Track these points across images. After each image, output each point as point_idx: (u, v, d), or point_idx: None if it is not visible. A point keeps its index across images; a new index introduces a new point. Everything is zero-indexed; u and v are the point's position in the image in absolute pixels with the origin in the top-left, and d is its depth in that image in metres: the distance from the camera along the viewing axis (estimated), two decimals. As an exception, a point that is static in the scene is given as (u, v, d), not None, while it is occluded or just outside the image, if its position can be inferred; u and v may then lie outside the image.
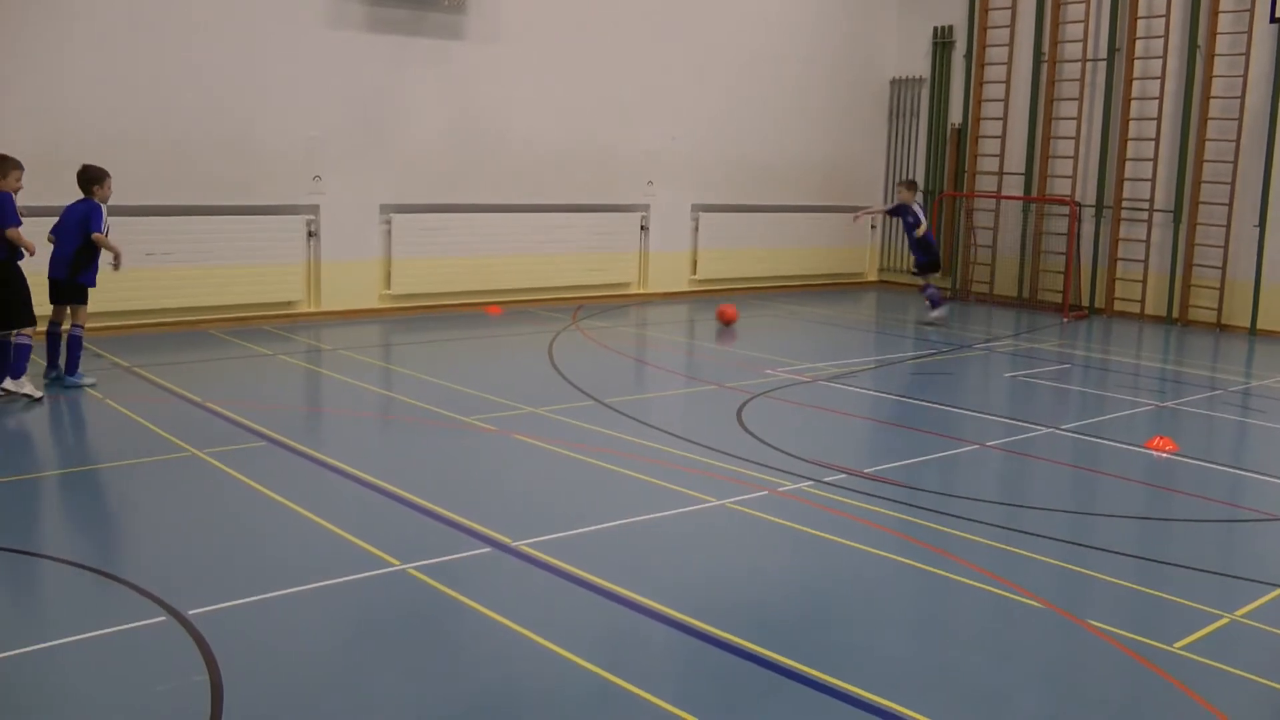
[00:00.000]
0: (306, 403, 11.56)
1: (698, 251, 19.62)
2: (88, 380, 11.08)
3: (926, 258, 18.13)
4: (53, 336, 11.22)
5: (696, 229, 19.51)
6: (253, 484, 8.21)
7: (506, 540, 7.16)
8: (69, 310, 11.17)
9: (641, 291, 18.96)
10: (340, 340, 14.15)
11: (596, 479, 8.73)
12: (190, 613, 5.90)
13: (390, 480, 8.35)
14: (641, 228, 18.79)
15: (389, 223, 16.01)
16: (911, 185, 18.17)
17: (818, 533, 7.66)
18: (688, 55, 18.95)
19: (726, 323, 16.28)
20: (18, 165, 10.58)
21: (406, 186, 16.17)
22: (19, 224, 10.39)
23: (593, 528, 7.54)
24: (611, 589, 6.48)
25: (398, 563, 6.72)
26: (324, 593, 6.33)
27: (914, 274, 19.01)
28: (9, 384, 10.45)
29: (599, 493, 8.41)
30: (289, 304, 15.35)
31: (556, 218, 17.42)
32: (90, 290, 11.23)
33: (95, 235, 10.96)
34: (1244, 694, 5.62)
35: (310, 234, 15.40)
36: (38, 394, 10.54)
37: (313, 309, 15.58)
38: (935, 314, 17.81)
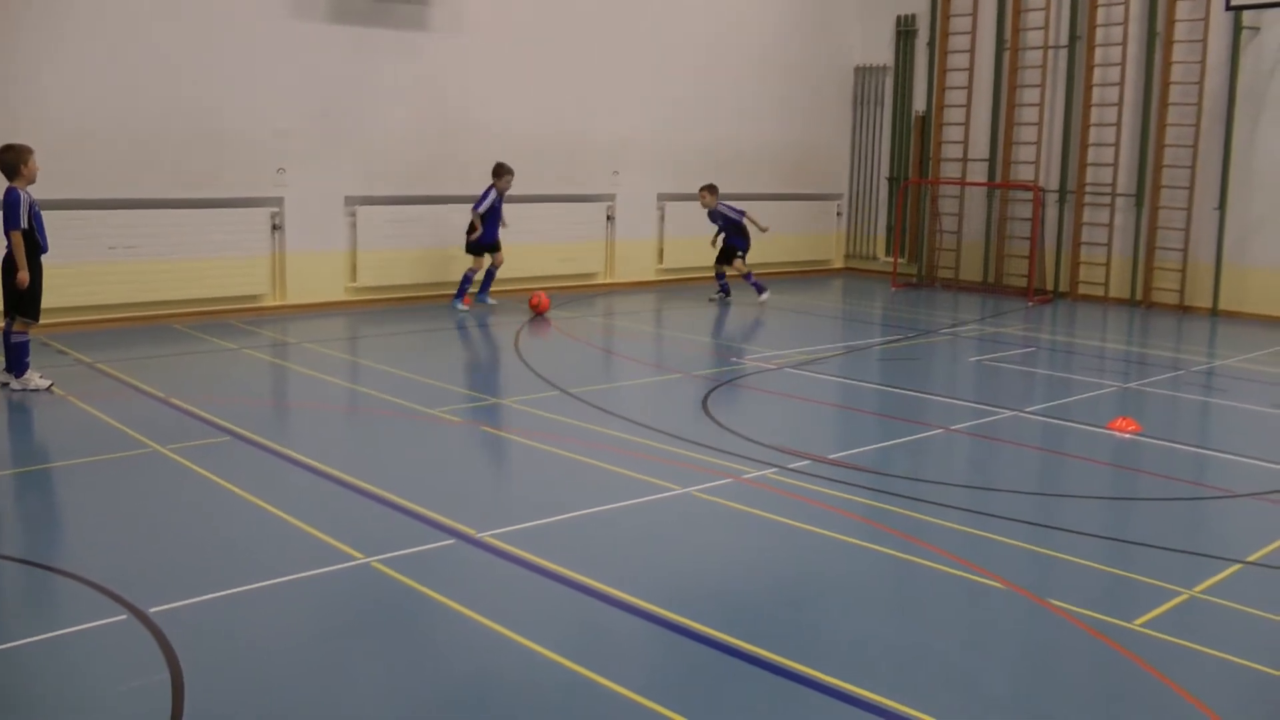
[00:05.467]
0: (271, 397, 11.51)
1: (664, 240, 19.62)
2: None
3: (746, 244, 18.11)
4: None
5: (662, 218, 19.51)
6: (216, 479, 8.17)
7: (471, 532, 7.15)
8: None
9: (608, 281, 18.95)
10: (305, 333, 14.10)
11: (562, 469, 8.73)
12: (151, 610, 5.87)
13: (354, 473, 8.32)
14: (608, 217, 18.78)
15: (354, 215, 15.95)
16: (713, 190, 17.93)
17: (783, 519, 7.68)
18: (652, 44, 18.94)
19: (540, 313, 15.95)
20: (30, 151, 10.47)
21: (372, 178, 16.10)
22: (19, 227, 10.24)
23: (558, 518, 7.54)
24: (577, 579, 6.48)
25: (362, 556, 6.70)
26: (287, 588, 6.30)
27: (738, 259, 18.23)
28: (14, 383, 10.49)
29: (564, 483, 8.41)
30: (253, 297, 15.28)
31: (522, 208, 17.38)
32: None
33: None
34: (1203, 668, 5.68)
35: (275, 226, 15.33)
36: (46, 383, 10.56)
37: (278, 302, 15.51)
38: (764, 296, 18.03)
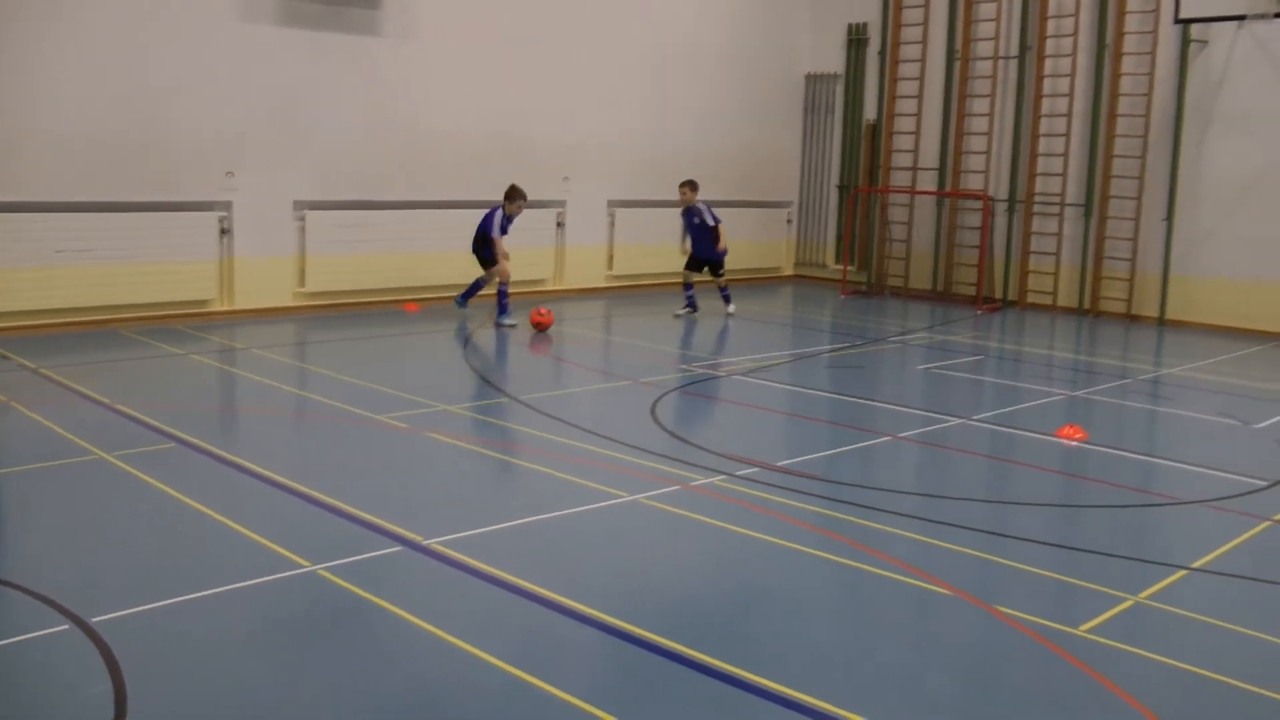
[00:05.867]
0: (219, 403, 11.42)
1: (614, 247, 19.62)
2: None
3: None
4: None
5: (613, 224, 19.51)
6: (161, 486, 8.09)
7: (418, 539, 7.11)
8: None
9: (558, 287, 18.93)
10: (254, 339, 14.00)
11: (509, 476, 8.72)
12: (94, 620, 5.79)
13: (301, 480, 8.26)
14: (558, 223, 18.76)
15: (303, 219, 15.86)
16: (694, 186, 17.36)
17: (731, 526, 7.68)
18: (603, 52, 18.95)
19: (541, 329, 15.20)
20: None
21: (321, 183, 16.02)
22: None
23: (505, 525, 7.51)
24: (524, 586, 6.45)
25: (308, 564, 6.65)
26: (233, 596, 6.24)
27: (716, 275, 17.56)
28: None
29: (511, 489, 8.40)
30: (201, 302, 15.17)
31: (473, 214, 17.30)
32: None
33: None
34: (1147, 673, 5.73)
35: (223, 231, 15.22)
36: None
37: (226, 307, 15.40)
38: (732, 307, 17.59)
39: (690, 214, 17.25)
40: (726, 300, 17.51)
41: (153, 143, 14.48)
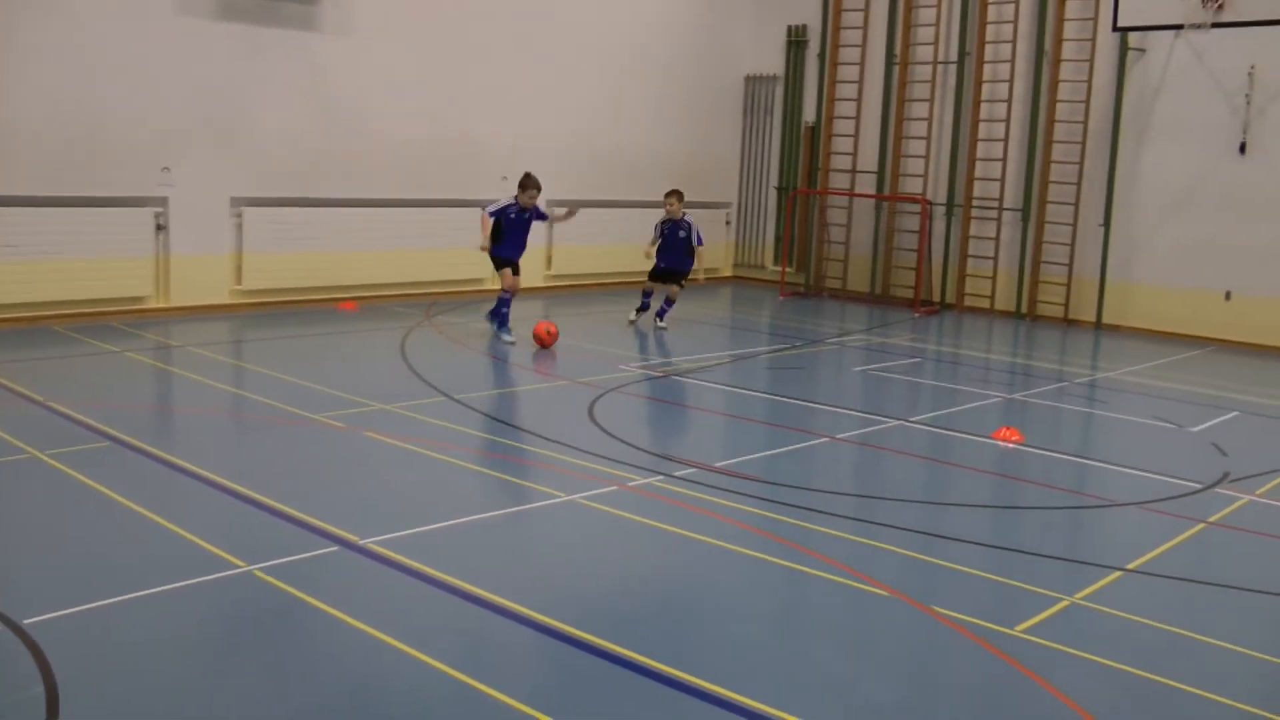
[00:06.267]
0: (154, 401, 11.28)
1: (552, 247, 19.55)
2: None
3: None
4: None
5: (551, 225, 19.40)
6: (96, 486, 7.97)
7: (354, 539, 7.05)
8: None
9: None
10: (190, 337, 13.84)
11: (446, 475, 8.66)
12: (25, 621, 5.68)
13: (237, 480, 8.17)
14: (497, 223, 18.68)
15: (240, 216, 15.71)
16: (680, 197, 16.52)
17: (668, 527, 7.67)
18: (543, 51, 18.88)
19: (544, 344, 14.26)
20: None
21: (259, 179, 15.85)
22: None
23: (442, 524, 7.46)
24: (461, 586, 6.41)
25: (243, 564, 6.57)
26: (167, 597, 6.14)
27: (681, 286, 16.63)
28: None
29: (448, 489, 8.34)
30: (137, 299, 14.98)
31: (411, 212, 17.26)
32: None
33: None
34: (1081, 672, 5.78)
35: (159, 227, 15.03)
36: None
37: (161, 304, 15.21)
38: (665, 321, 16.41)
39: (675, 226, 16.34)
40: (662, 315, 16.38)
41: (87, 137, 14.28)
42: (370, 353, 13.63)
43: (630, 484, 8.55)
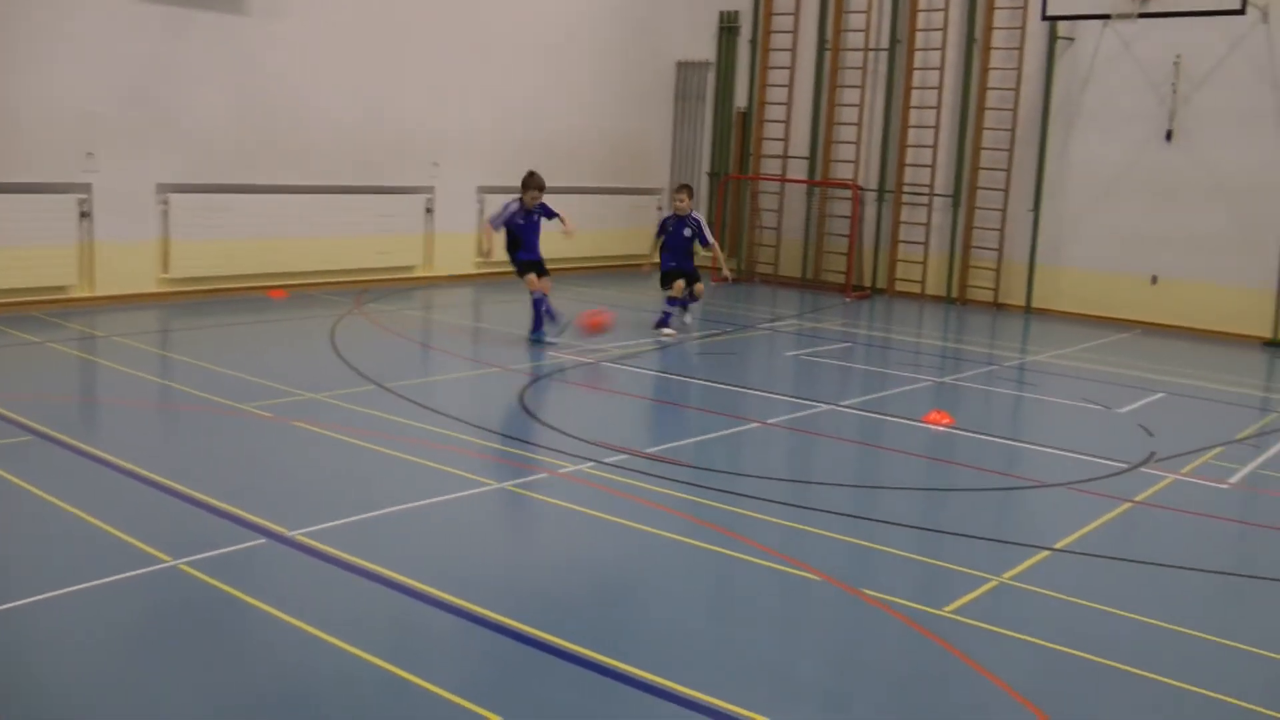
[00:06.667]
0: (78, 394, 11.11)
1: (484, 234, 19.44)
2: None
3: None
4: None
5: (483, 211, 19.33)
6: (17, 481, 7.79)
7: (283, 530, 6.97)
8: None
9: (427, 274, 18.74)
10: (115, 326, 13.64)
11: (376, 465, 8.58)
12: (-58, 616, 5.62)
13: (162, 472, 8.04)
14: (427, 210, 18.55)
15: (166, 203, 15.49)
16: (691, 191, 15.95)
17: (600, 514, 7.66)
18: (474, 36, 18.76)
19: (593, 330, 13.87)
20: None
21: (186, 165, 15.61)
22: None
23: (372, 514, 7.39)
24: (392, 577, 6.36)
25: (169, 559, 6.46)
26: (91, 594, 6.01)
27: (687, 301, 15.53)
28: None
29: (379, 479, 8.26)
30: (60, 288, 14.73)
31: (341, 199, 17.10)
32: None
33: None
34: (1009, 652, 5.84)
35: (83, 214, 14.77)
36: None
37: (86, 294, 14.97)
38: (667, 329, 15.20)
39: (680, 224, 15.44)
40: (665, 322, 15.16)
41: (7, 121, 14.00)
42: (300, 341, 13.50)
43: (561, 471, 8.53)
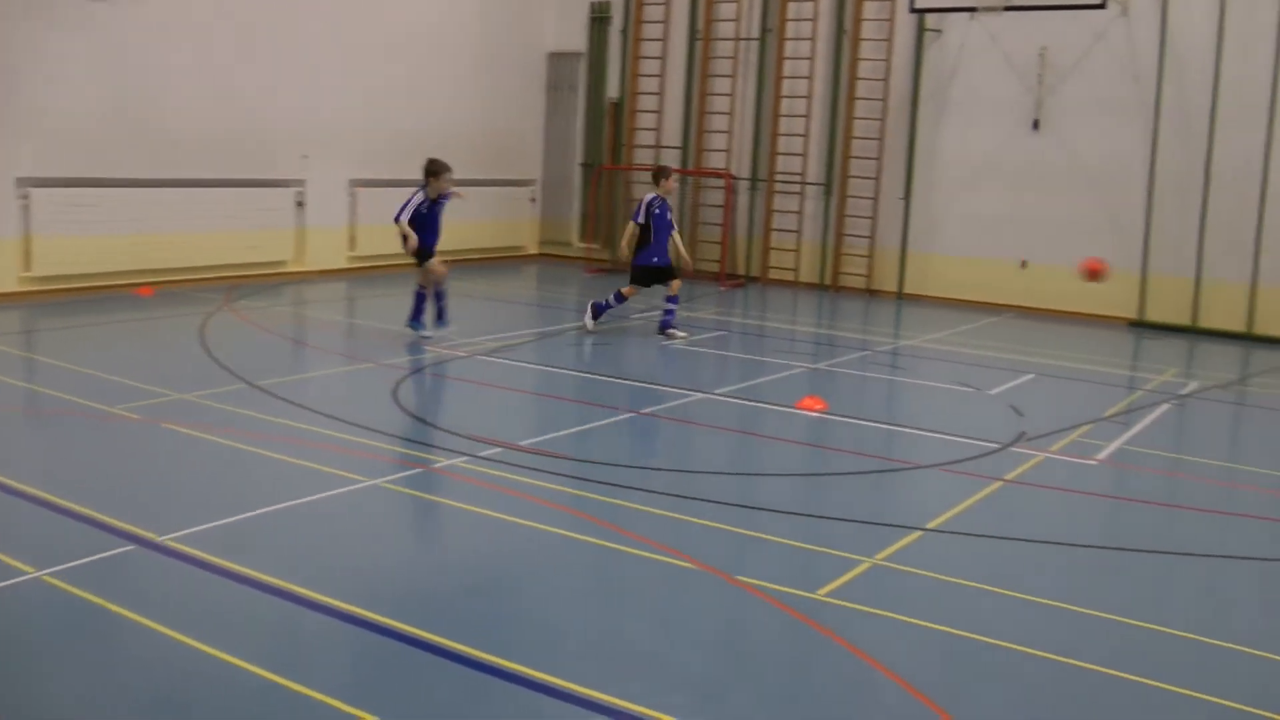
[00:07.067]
0: (-65, 398, 10.82)
1: (356, 227, 19.21)
2: None
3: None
4: None
5: (355, 204, 19.12)
6: None
7: (152, 536, 6.79)
8: None
9: (298, 269, 18.47)
10: (-26, 329, 13.31)
11: (247, 465, 8.43)
12: None
13: (24, 480, 7.78)
14: (297, 203, 18.27)
15: (27, 198, 15.05)
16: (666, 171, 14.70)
17: (476, 508, 7.61)
18: (344, 27, 18.49)
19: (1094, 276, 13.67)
20: None
21: (48, 159, 15.12)
22: None
23: (243, 516, 7.25)
24: (266, 580, 6.24)
25: (32, 570, 6.23)
26: (-54, 605, 5.87)
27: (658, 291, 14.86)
28: None
29: (250, 480, 8.11)
30: (-85, 291, 14.33)
31: (210, 193, 16.74)
32: None
33: None
34: (882, 632, 5.94)
35: (-63, 214, 14.39)
36: None
37: (-58, 296, 14.59)
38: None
39: (666, 207, 14.43)
40: (671, 323, 14.36)
41: None
42: (169, 340, 13.23)
43: (436, 466, 8.48)
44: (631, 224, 14.36)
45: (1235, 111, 16.50)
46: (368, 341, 13.44)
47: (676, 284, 14.38)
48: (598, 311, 14.47)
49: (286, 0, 17.59)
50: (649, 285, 14.47)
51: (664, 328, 14.32)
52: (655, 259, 14.23)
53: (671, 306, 14.35)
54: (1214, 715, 5.27)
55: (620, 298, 14.47)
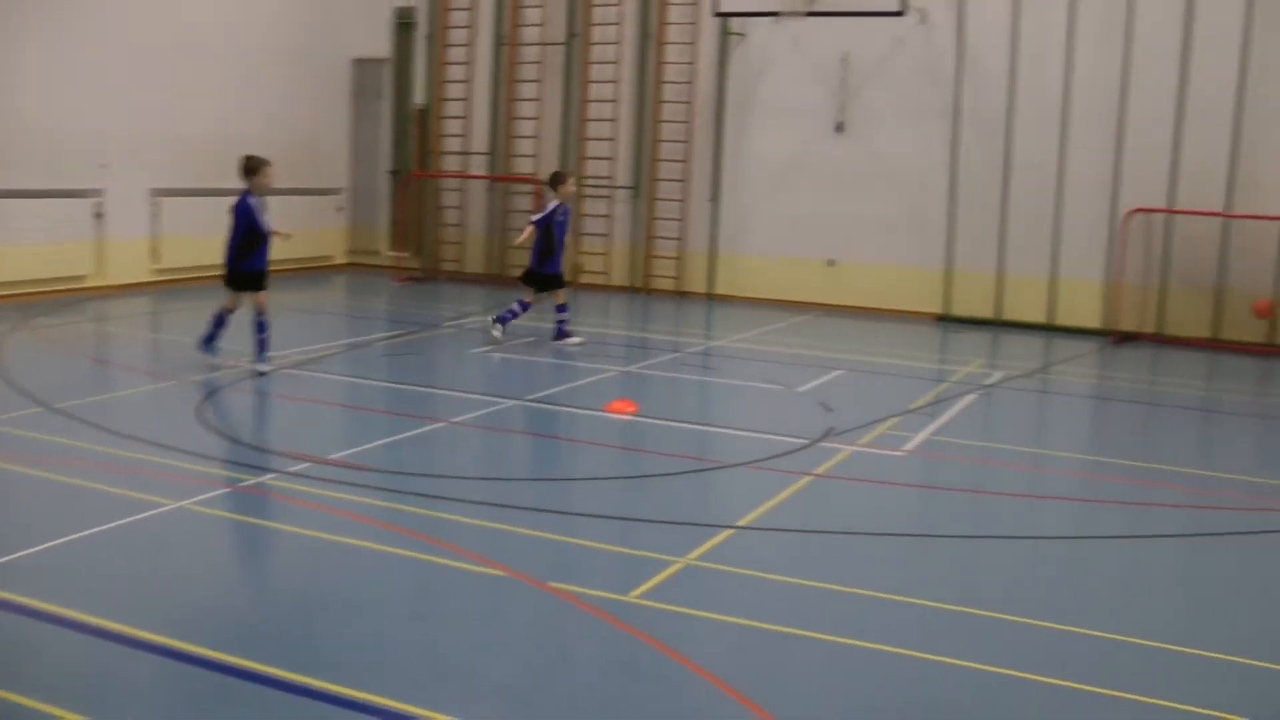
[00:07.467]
0: None
1: (160, 239, 18.70)
2: None
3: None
4: None
5: (158, 215, 18.61)
6: None
7: (-67, 569, 6.50)
8: None
9: (99, 284, 17.88)
10: None
11: (43, 494, 8.05)
12: None
13: None
14: (96, 215, 17.68)
15: None
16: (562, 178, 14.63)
17: (284, 526, 7.45)
18: (140, 32, 17.91)
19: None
20: None
21: None
22: None
23: (38, 548, 6.86)
24: (65, 614, 5.91)
25: None
26: None
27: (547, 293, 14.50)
28: None
29: (47, 508, 7.74)
30: None
31: (11, 204, 16.11)
32: None
33: None
34: (694, 631, 6.00)
35: None
36: None
37: None
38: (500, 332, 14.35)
39: (567, 214, 14.62)
40: (564, 330, 14.45)
41: None
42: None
43: (242, 485, 8.25)
44: (531, 226, 14.34)
45: (1031, 113, 17.14)
46: (172, 357, 13.06)
47: (563, 292, 14.45)
48: (503, 321, 14.35)
49: (73, 7, 16.90)
50: (546, 291, 14.38)
51: (561, 335, 14.33)
52: (559, 267, 14.38)
53: (564, 315, 14.39)
54: (1023, 688, 5.46)
55: (525, 306, 14.38)
